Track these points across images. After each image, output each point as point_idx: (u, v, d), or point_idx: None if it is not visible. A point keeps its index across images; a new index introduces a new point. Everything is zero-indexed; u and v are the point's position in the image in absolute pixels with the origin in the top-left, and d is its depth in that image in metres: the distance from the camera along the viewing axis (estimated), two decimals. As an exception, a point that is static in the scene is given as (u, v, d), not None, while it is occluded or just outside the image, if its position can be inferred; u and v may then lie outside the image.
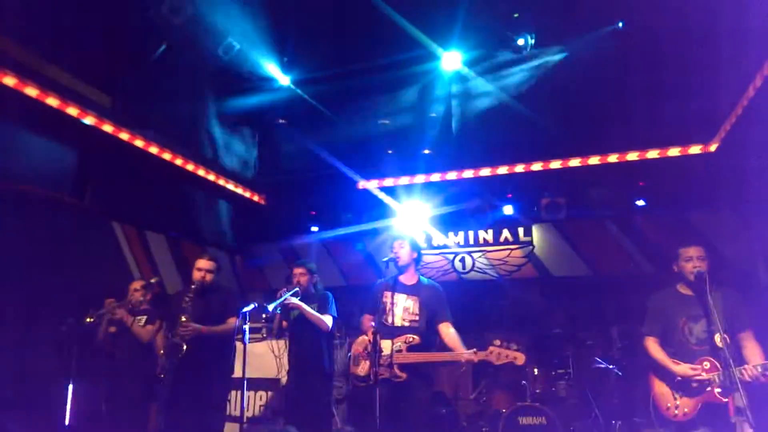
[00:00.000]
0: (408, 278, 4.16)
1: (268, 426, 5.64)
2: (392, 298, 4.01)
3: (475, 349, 3.73)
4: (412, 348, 3.89)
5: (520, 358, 3.62)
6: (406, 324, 3.98)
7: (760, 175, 5.99)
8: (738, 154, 5.90)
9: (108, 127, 5.75)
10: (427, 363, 3.94)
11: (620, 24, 5.66)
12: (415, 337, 3.91)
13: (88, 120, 5.55)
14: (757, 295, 6.33)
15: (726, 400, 3.31)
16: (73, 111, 5.37)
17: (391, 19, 5.91)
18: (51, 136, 5.54)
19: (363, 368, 4.02)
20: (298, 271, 4.86)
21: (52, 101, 5.17)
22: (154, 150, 6.36)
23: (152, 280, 5.24)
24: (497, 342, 3.67)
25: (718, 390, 3.38)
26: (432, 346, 4.04)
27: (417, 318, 4.00)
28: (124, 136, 5.97)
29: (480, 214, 7.87)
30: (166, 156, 6.56)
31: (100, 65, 5.62)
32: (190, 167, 6.93)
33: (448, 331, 3.99)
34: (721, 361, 3.38)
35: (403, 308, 4.01)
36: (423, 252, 8.20)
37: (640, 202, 7.27)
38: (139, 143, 6.14)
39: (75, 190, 5.76)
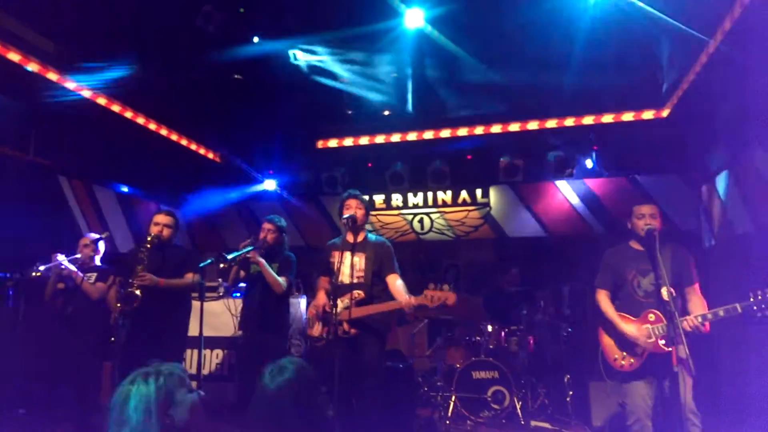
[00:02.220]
0: (357, 237, 4.18)
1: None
2: (340, 257, 4.01)
3: (412, 296, 3.78)
4: (359, 303, 3.94)
5: (451, 298, 3.66)
6: (354, 281, 4.02)
7: (706, 143, 6.24)
8: (688, 121, 6.10)
9: (52, 75, 5.42)
10: (376, 317, 3.96)
11: None
12: (360, 292, 3.97)
13: (31, 67, 5.21)
14: (701, 258, 6.64)
15: (669, 350, 3.48)
16: (14, 57, 5.03)
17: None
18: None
19: (317, 329, 4.13)
20: (267, 226, 4.77)
21: (-9, 45, 4.83)
22: (101, 101, 6.06)
23: (103, 235, 5.04)
24: (431, 285, 3.71)
25: (662, 341, 3.56)
26: (382, 300, 4.05)
27: (362, 274, 4.05)
28: (70, 85, 5.65)
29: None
30: (115, 108, 6.26)
31: (44, 7, 5.24)
32: (140, 120, 6.65)
33: (394, 283, 4.02)
34: (665, 313, 3.55)
35: (349, 266, 4.04)
36: (382, 213, 8.38)
37: (589, 163, 7.43)
38: (86, 93, 5.83)
39: (18, 142, 5.44)
